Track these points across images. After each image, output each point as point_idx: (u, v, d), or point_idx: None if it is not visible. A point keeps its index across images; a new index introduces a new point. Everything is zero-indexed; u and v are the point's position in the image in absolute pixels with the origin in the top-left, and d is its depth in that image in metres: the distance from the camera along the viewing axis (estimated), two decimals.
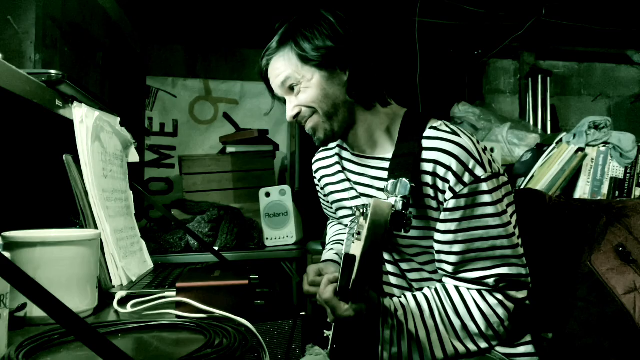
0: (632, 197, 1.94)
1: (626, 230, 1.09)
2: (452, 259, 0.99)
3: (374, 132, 1.08)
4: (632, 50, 3.19)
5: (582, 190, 1.95)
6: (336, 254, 1.25)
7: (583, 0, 2.57)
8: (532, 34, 2.78)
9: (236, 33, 2.86)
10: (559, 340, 1.05)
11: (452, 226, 0.97)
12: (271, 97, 1.13)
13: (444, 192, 0.97)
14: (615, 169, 1.95)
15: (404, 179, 0.85)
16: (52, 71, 1.02)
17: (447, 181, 0.96)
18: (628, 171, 1.95)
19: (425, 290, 1.04)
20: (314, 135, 1.08)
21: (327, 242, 1.36)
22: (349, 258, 0.81)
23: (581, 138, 1.94)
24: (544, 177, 1.93)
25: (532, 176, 1.97)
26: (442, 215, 0.98)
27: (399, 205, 0.81)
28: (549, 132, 3.05)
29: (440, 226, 0.99)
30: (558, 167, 1.93)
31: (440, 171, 0.96)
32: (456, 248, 0.98)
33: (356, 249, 0.78)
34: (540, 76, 3.14)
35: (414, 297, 1.02)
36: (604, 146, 1.95)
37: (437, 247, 1.00)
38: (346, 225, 1.23)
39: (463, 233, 0.97)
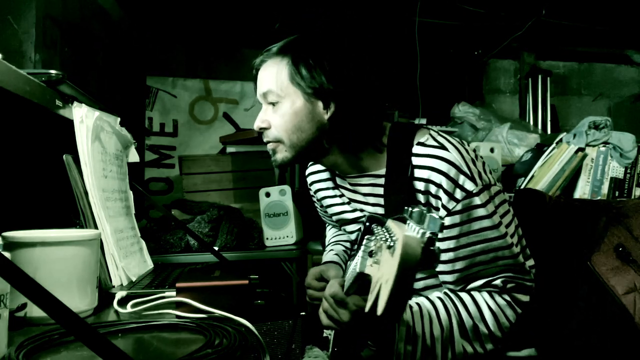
0: (632, 197, 1.94)
1: (626, 230, 1.09)
2: (456, 276, 0.98)
3: (356, 159, 1.06)
4: (632, 50, 3.19)
5: (582, 190, 1.95)
6: (336, 254, 1.24)
7: (583, 0, 2.57)
8: (532, 34, 2.78)
9: (236, 33, 2.86)
10: (559, 340, 1.05)
11: (452, 244, 0.96)
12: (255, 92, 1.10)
13: (437, 209, 0.97)
14: (615, 169, 1.95)
15: (433, 214, 0.64)
16: (52, 71, 1.02)
17: (439, 198, 0.96)
18: (628, 171, 1.95)
19: (436, 293, 1.03)
20: (272, 155, 1.06)
21: (326, 244, 1.36)
22: (363, 277, 0.76)
23: (581, 138, 1.94)
24: (544, 177, 1.93)
25: (532, 176, 1.97)
26: (440, 234, 0.96)
27: (428, 241, 0.64)
28: (549, 132, 3.05)
29: (439, 245, 0.98)
30: (558, 167, 1.93)
31: (432, 189, 0.96)
32: (459, 265, 0.97)
33: (374, 271, 0.73)
34: (540, 76, 3.14)
35: (426, 298, 1.01)
36: (604, 146, 1.95)
37: (439, 267, 0.99)
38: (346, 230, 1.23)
39: (464, 249, 0.96)
